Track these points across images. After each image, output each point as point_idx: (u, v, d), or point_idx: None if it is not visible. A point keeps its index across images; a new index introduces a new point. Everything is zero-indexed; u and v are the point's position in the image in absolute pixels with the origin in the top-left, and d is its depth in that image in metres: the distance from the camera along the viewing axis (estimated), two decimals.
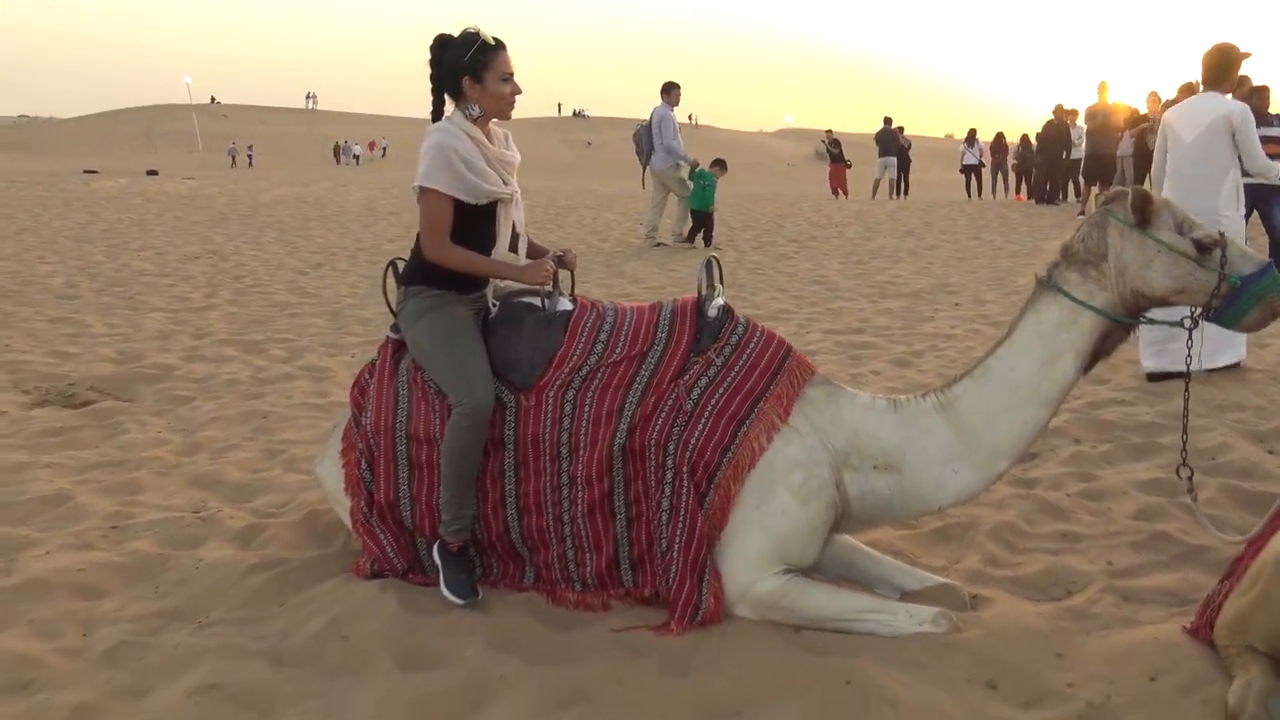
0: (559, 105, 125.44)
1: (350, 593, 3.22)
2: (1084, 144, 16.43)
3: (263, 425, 5.25)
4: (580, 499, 3.15)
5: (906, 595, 3.26)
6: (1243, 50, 5.90)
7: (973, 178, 25.34)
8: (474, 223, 3.26)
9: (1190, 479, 3.14)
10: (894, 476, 3.11)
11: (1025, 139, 25.13)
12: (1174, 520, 3.95)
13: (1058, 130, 17.96)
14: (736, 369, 3.14)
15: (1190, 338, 3.03)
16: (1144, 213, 2.86)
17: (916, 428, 3.11)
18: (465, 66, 3.21)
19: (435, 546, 3.27)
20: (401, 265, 3.46)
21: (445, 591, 3.18)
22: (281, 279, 10.12)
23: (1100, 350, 2.96)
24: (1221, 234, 2.90)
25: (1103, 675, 2.80)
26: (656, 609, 3.14)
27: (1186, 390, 3.18)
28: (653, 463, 3.09)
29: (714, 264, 3.26)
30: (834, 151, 26.08)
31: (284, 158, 59.46)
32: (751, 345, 3.18)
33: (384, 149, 71.73)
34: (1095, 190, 16.41)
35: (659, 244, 12.92)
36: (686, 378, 3.12)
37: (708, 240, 12.76)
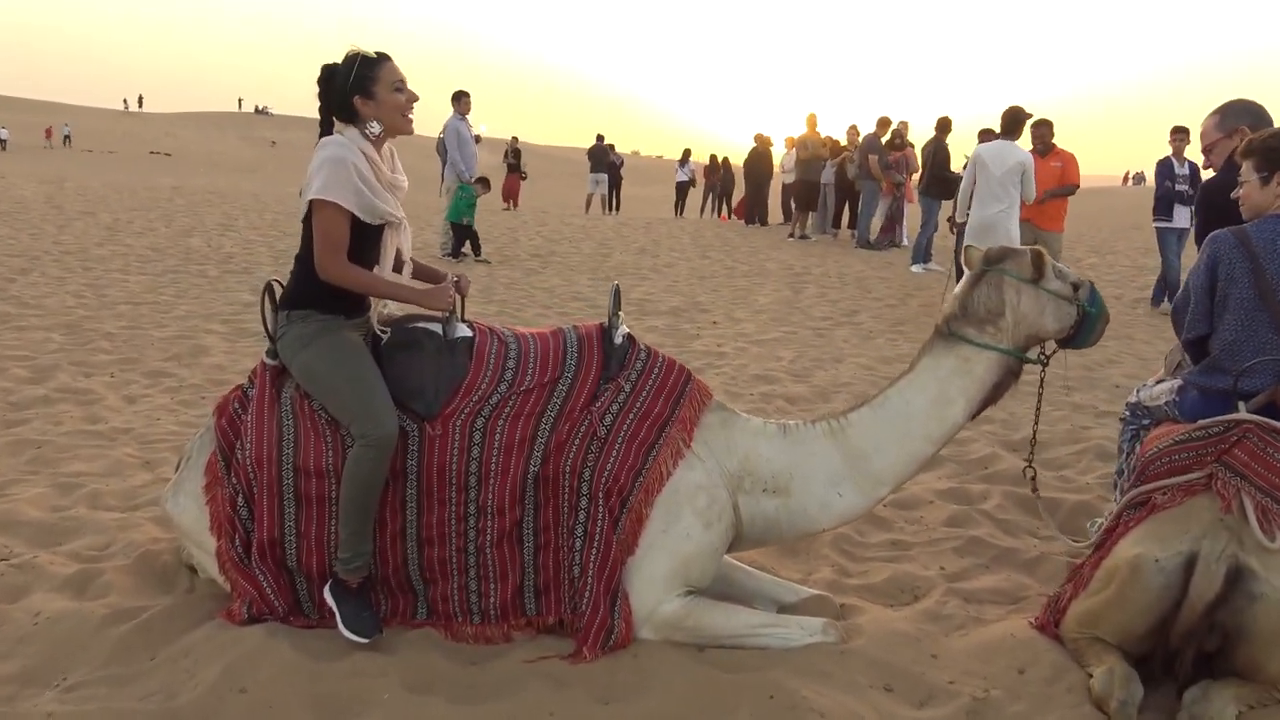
0: (239, 100, 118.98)
1: (234, 641, 2.99)
2: (794, 171, 17.63)
3: (40, 456, 4.69)
4: (489, 528, 3.10)
5: (784, 608, 3.46)
6: (1027, 111, 9.39)
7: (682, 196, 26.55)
8: (360, 244, 3.14)
9: (1034, 482, 3.57)
10: (782, 498, 3.29)
11: (726, 162, 26.68)
12: (980, 525, 4.42)
13: (763, 157, 19.20)
14: (644, 395, 3.21)
15: (1044, 371, 3.39)
16: (1041, 269, 3.21)
17: (804, 451, 3.31)
18: (354, 85, 3.09)
19: (329, 586, 3.10)
20: (280, 287, 3.26)
21: (345, 631, 3.03)
22: None
23: (991, 397, 3.27)
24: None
25: (976, 671, 3.10)
26: (559, 637, 3.15)
27: (1036, 421, 3.58)
28: (566, 489, 3.10)
29: (619, 292, 3.32)
30: (511, 161, 25.29)
31: None
32: (656, 371, 3.27)
33: (66, 136, 64.67)
34: (809, 216, 17.74)
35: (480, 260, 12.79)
36: (598, 404, 3.16)
37: (454, 254, 12.66)
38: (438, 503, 3.11)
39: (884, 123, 15.80)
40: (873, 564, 4.03)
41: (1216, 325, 3.19)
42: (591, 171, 25.76)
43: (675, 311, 9.55)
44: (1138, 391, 3.73)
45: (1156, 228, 11.13)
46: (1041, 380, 3.47)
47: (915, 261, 13.57)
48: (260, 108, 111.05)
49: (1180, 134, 11.04)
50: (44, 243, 11.90)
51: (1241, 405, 3.06)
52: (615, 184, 26.70)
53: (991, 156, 9.17)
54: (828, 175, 17.49)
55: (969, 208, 9.29)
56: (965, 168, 9.79)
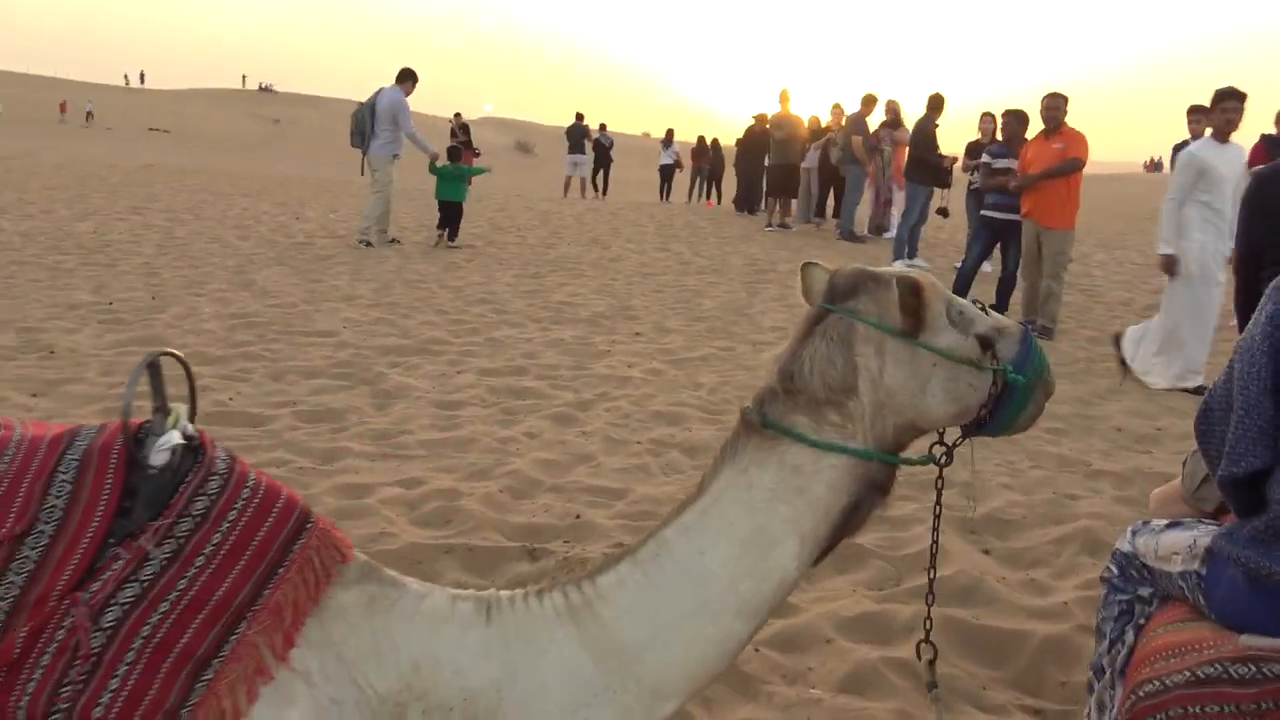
0: (243, 78, 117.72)
1: None
2: (770, 154, 16.04)
3: None
4: None
5: None
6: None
7: (667, 179, 25.02)
8: None
9: (933, 672, 2.05)
10: None
11: (716, 143, 25.02)
12: (892, 694, 2.93)
13: (758, 138, 17.46)
14: (199, 563, 1.71)
15: (941, 475, 1.91)
16: (918, 314, 1.70)
17: (525, 652, 1.81)
18: None
19: None
20: None
21: None
22: None
23: (842, 528, 1.78)
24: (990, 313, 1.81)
25: None
26: None
27: (932, 569, 2.07)
28: None
29: (158, 370, 1.81)
30: (463, 139, 21.08)
31: None
32: (233, 513, 1.76)
33: (89, 113, 64.24)
34: (790, 203, 16.16)
35: (367, 243, 11.44)
36: (97, 587, 1.67)
37: (452, 235, 12.00)
38: None
39: (870, 100, 14.20)
40: None
41: None
42: (569, 153, 24.20)
43: (594, 320, 8.02)
44: (1132, 534, 2.20)
45: None
46: (939, 493, 1.95)
47: (898, 257, 12.03)
48: (264, 85, 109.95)
49: (1199, 113, 9.45)
50: None
51: None
52: (605, 165, 25.14)
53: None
54: (811, 159, 15.91)
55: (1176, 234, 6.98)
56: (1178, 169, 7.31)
